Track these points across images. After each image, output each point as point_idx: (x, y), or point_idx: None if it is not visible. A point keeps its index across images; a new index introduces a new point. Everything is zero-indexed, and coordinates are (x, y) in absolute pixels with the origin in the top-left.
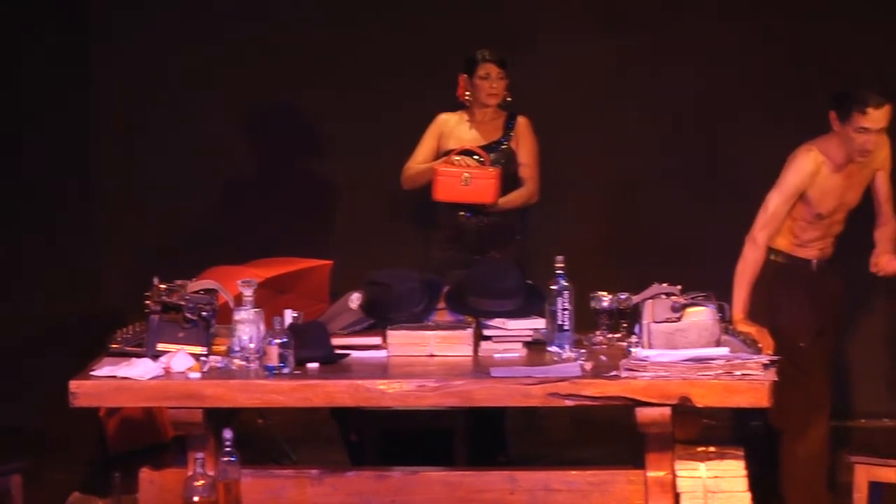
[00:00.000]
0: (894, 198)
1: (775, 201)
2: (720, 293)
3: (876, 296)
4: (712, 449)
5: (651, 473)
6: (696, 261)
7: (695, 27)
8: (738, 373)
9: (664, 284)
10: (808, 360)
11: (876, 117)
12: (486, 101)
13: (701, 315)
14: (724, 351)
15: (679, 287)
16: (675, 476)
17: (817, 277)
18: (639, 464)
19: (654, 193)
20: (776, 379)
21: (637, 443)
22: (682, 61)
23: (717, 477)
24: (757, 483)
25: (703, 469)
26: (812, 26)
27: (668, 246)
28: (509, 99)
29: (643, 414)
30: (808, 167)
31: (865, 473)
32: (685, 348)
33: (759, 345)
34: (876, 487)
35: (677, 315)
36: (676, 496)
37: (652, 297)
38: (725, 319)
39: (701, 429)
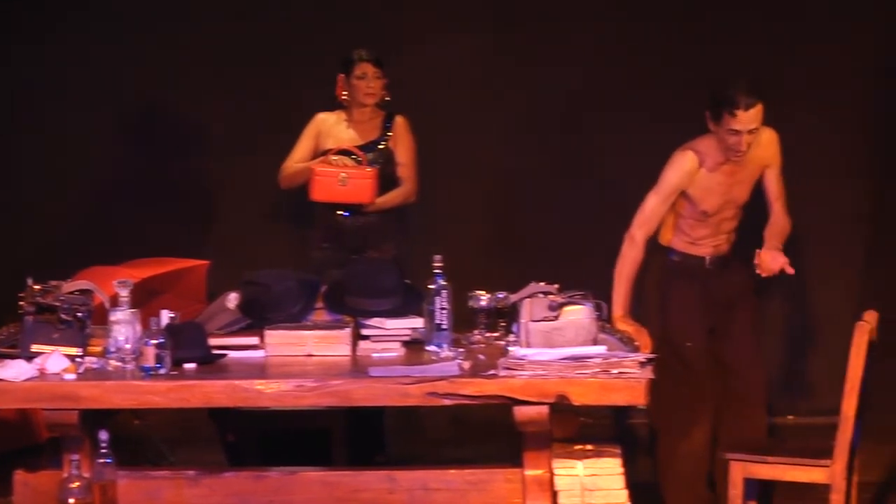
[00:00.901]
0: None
1: (652, 201)
2: (597, 292)
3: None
4: (590, 447)
5: (529, 472)
6: (573, 260)
7: (572, 25)
8: (615, 371)
9: (542, 283)
10: (694, 359)
11: (745, 119)
12: (363, 100)
13: (578, 314)
14: (601, 349)
15: (556, 286)
16: (552, 474)
17: (712, 275)
18: (517, 462)
19: (532, 193)
20: (653, 377)
21: (515, 441)
22: (560, 60)
23: (594, 475)
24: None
25: (580, 467)
26: (688, 26)
27: (545, 245)
28: (388, 99)
29: (521, 413)
30: (684, 167)
31: (741, 470)
32: (563, 347)
33: (637, 343)
34: (751, 483)
35: (555, 314)
36: (554, 494)
37: (529, 296)
38: (603, 318)
39: (578, 427)
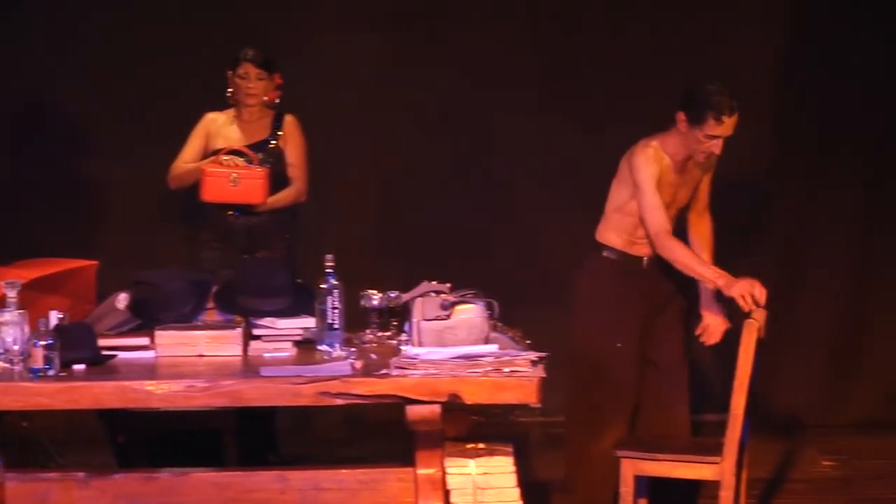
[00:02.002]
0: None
1: (649, 196)
2: (489, 291)
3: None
4: (482, 446)
5: (421, 471)
6: (464, 259)
7: (460, 25)
8: (507, 370)
9: (433, 283)
10: (622, 359)
11: (729, 125)
12: (244, 100)
13: (470, 313)
14: (493, 348)
15: (448, 285)
16: (444, 473)
17: (648, 275)
18: (409, 461)
19: (423, 192)
20: (544, 375)
21: (408, 440)
22: (447, 59)
23: (486, 473)
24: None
25: (472, 466)
26: (578, 24)
27: (437, 244)
28: (277, 101)
29: (413, 412)
30: (654, 157)
31: (631, 467)
32: (455, 346)
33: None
34: (641, 480)
35: (447, 313)
36: (446, 493)
37: (421, 296)
38: (494, 317)
39: (470, 426)
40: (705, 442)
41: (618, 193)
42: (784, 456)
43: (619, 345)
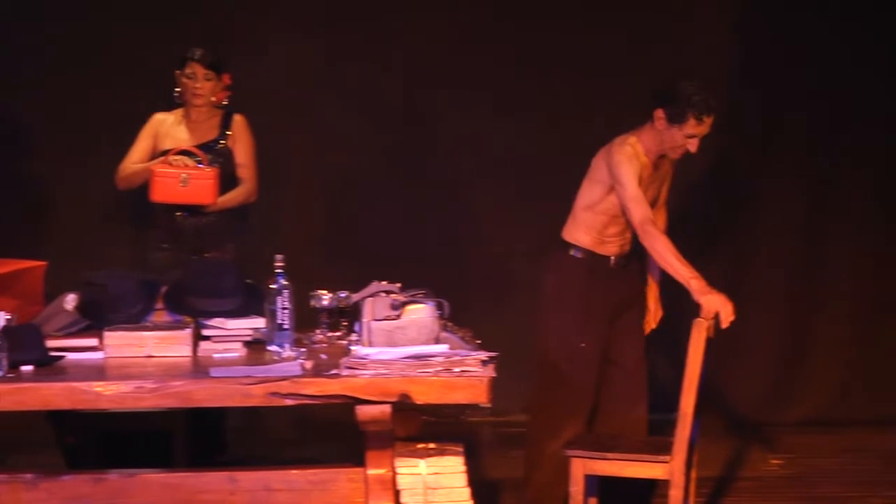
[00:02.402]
0: None
1: (632, 189)
2: (439, 291)
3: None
4: (432, 445)
5: (371, 471)
6: (415, 259)
7: (408, 24)
8: (458, 369)
9: (383, 282)
10: (584, 360)
11: (708, 124)
12: (191, 100)
13: (420, 313)
14: (443, 348)
15: (398, 285)
16: (395, 473)
17: (615, 275)
18: (359, 462)
19: (373, 192)
20: (494, 375)
21: (358, 441)
22: (397, 59)
23: (436, 473)
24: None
25: (423, 466)
26: (525, 24)
27: (387, 244)
28: (226, 102)
29: (363, 412)
30: (633, 155)
31: (581, 466)
32: (405, 346)
33: (721, 315)
34: (591, 479)
35: (397, 313)
36: (396, 493)
37: (372, 296)
38: (445, 316)
39: (421, 426)
40: (655, 441)
41: (589, 192)
42: (733, 454)
43: (582, 344)
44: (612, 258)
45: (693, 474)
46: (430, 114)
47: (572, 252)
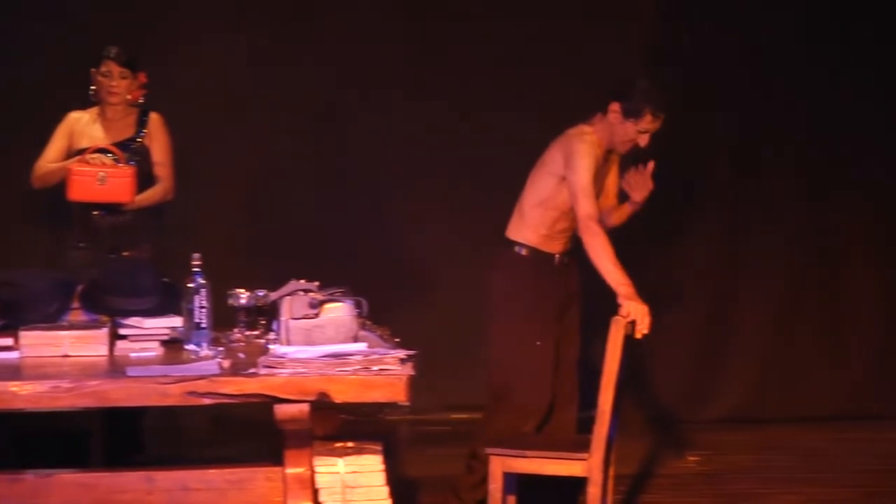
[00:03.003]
0: None
1: (586, 181)
2: (357, 289)
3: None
4: (350, 444)
5: (290, 470)
6: (333, 257)
7: (328, 24)
8: (376, 368)
9: (302, 281)
10: (541, 358)
11: (661, 121)
12: (107, 98)
13: (338, 311)
14: (361, 346)
15: (317, 283)
16: (313, 472)
17: (559, 272)
18: (278, 461)
19: (291, 191)
20: (413, 373)
21: (276, 440)
22: (316, 60)
23: (355, 472)
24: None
25: (341, 464)
26: (441, 27)
27: (305, 243)
28: (141, 100)
29: (282, 411)
30: (592, 148)
31: (500, 464)
32: (323, 344)
33: (637, 324)
34: (510, 477)
35: (315, 311)
36: (315, 492)
37: (290, 294)
38: (363, 315)
39: (339, 424)
40: (574, 438)
41: (542, 186)
42: (652, 452)
43: (538, 343)
44: (557, 256)
45: (611, 471)
46: (346, 112)
47: (516, 249)
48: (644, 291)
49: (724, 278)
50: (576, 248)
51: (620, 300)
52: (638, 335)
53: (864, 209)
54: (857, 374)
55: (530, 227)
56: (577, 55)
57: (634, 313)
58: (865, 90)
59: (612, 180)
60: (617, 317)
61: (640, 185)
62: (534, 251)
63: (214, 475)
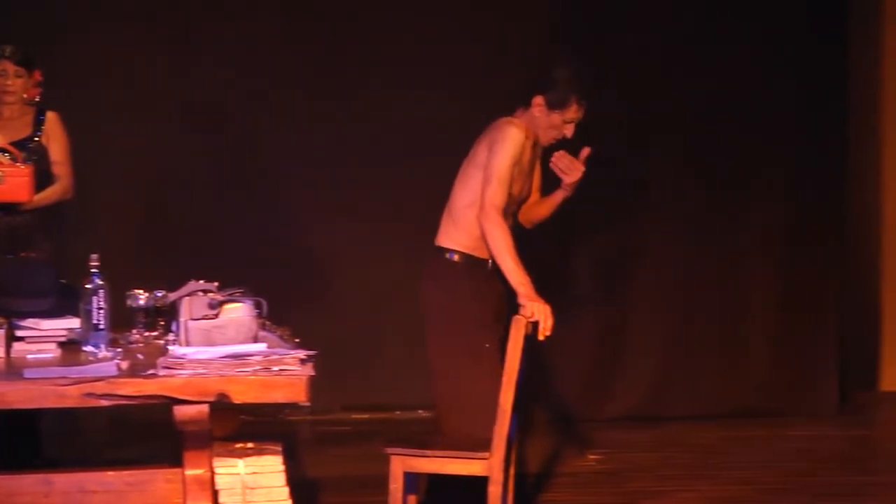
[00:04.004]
0: None
1: (504, 170)
2: (257, 289)
3: None
4: (250, 445)
5: (189, 471)
6: (232, 257)
7: (228, 24)
8: (276, 368)
9: (201, 281)
10: (490, 360)
11: (585, 109)
12: (1, 97)
13: (238, 311)
14: (261, 347)
15: (216, 284)
16: (213, 473)
17: (491, 277)
18: (177, 462)
19: (191, 191)
20: (313, 374)
21: (176, 441)
22: (216, 59)
23: (255, 473)
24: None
25: (241, 465)
26: (347, 26)
27: (204, 243)
28: (38, 98)
29: (181, 412)
30: (520, 137)
31: (400, 464)
32: (223, 345)
33: (540, 324)
34: (410, 477)
35: (215, 312)
36: (215, 493)
37: (189, 295)
38: (263, 315)
39: (239, 425)
40: (476, 438)
41: (474, 184)
42: (552, 450)
43: (487, 345)
44: (489, 261)
45: (512, 471)
46: (246, 112)
47: (448, 256)
48: (542, 290)
49: (621, 281)
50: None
51: (522, 300)
52: (541, 337)
53: (764, 207)
54: (753, 372)
55: (463, 230)
56: (479, 45)
57: (538, 314)
58: (764, 75)
59: (537, 174)
60: (518, 316)
61: (572, 167)
62: (466, 257)
63: (113, 477)
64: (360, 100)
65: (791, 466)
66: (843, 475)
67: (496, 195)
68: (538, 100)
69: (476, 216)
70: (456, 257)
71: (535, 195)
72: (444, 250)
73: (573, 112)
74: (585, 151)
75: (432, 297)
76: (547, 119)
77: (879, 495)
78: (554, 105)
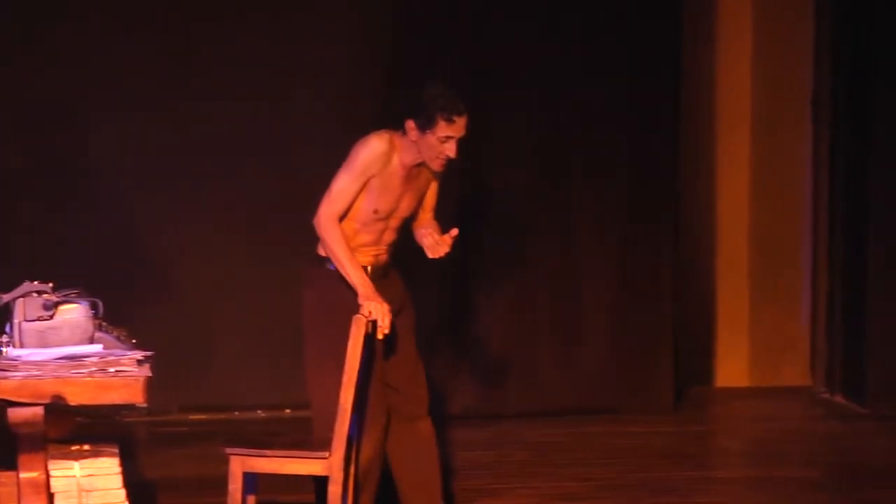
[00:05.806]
0: None
1: (343, 180)
2: (93, 290)
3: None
4: (86, 447)
5: (24, 475)
6: (67, 258)
7: (70, 21)
8: (113, 369)
9: (35, 282)
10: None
11: (461, 125)
12: None
13: (73, 312)
14: (97, 348)
15: (50, 284)
16: (48, 476)
17: (379, 279)
18: (12, 465)
19: (22, 191)
20: (150, 374)
21: (10, 444)
22: (50, 58)
23: (91, 475)
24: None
25: (77, 468)
26: (266, 26)
27: (37, 244)
28: None
29: (15, 414)
30: (380, 148)
31: (240, 464)
32: (58, 346)
33: (378, 323)
34: (249, 477)
35: (49, 313)
36: (51, 496)
37: (23, 296)
38: (99, 316)
39: (75, 427)
40: (317, 438)
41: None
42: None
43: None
44: (369, 269)
45: (352, 470)
46: (85, 111)
47: (328, 265)
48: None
49: (461, 280)
50: (396, 260)
51: (361, 300)
52: (380, 335)
53: (597, 185)
54: (590, 369)
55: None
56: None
57: (375, 312)
58: (602, 65)
59: (430, 195)
60: (358, 315)
61: (437, 246)
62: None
63: None
64: (206, 101)
65: (628, 462)
66: (679, 471)
67: (331, 203)
68: (409, 125)
69: (344, 227)
70: (333, 266)
71: (427, 214)
72: (323, 259)
73: (443, 129)
74: (454, 231)
75: (314, 304)
76: (424, 142)
77: (713, 490)
78: (423, 126)
